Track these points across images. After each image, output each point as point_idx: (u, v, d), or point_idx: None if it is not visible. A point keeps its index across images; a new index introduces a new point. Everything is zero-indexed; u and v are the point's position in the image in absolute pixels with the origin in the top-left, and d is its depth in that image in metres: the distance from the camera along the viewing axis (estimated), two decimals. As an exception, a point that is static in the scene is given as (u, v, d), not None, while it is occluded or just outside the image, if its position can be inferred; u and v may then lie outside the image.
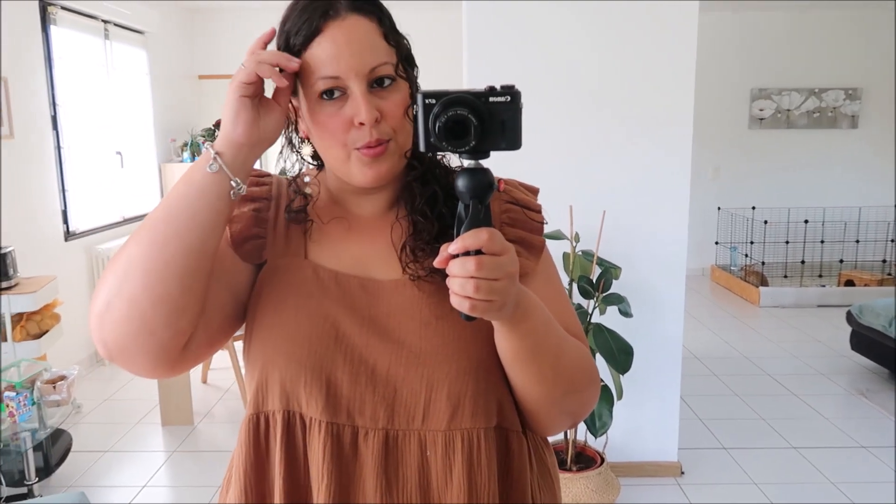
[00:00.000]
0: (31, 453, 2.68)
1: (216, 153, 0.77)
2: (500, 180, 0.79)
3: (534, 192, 0.93)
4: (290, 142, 0.88)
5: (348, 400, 0.79)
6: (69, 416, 3.04)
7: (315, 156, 0.90)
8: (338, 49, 0.77)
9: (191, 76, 6.15)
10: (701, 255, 6.69)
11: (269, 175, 0.92)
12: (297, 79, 0.81)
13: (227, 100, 0.78)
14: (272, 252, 0.86)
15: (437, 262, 0.68)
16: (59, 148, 4.12)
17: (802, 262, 6.22)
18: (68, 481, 2.95)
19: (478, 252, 0.66)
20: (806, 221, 6.28)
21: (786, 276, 6.20)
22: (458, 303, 0.67)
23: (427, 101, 0.68)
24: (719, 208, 6.66)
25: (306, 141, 0.86)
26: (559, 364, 0.80)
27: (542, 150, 2.73)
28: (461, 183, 0.69)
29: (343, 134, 0.79)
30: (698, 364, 4.29)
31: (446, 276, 0.70)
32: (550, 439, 2.79)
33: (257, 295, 0.85)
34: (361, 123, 0.78)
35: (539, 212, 0.90)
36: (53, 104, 4.08)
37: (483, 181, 0.69)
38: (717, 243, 6.67)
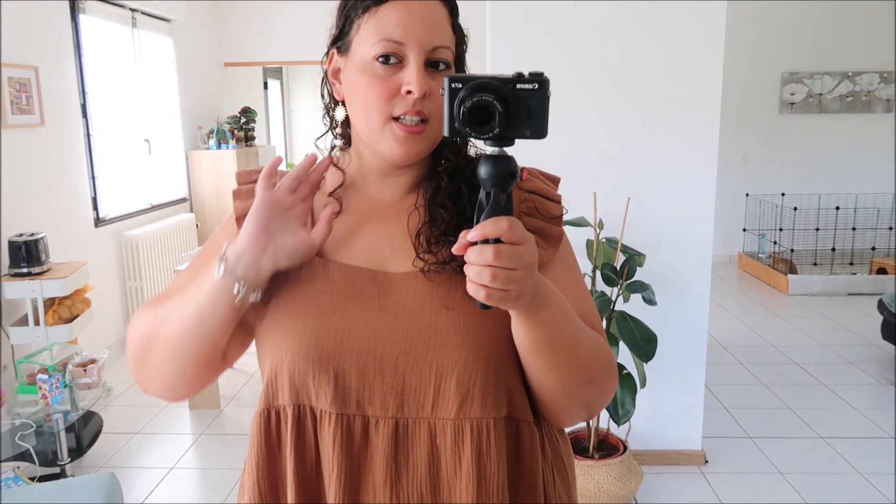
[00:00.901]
0: (63, 434, 2.75)
1: (225, 255, 0.81)
2: (522, 169, 0.78)
3: (555, 181, 0.92)
4: (326, 110, 0.90)
5: (357, 391, 0.79)
6: (100, 398, 3.11)
7: (343, 133, 0.90)
8: (409, 17, 0.79)
9: (217, 64, 6.20)
10: (728, 242, 6.60)
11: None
12: (348, 35, 0.83)
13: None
14: None
15: (455, 249, 0.68)
16: (88, 136, 4.19)
17: (833, 249, 6.10)
18: (99, 462, 3.03)
19: (497, 241, 0.65)
20: (837, 208, 6.15)
21: (815, 264, 6.09)
22: (475, 291, 0.67)
23: (453, 86, 0.67)
24: (748, 195, 6.55)
25: (341, 105, 0.87)
26: (576, 355, 0.79)
27: (565, 135, 2.71)
28: (483, 170, 0.68)
29: (387, 99, 0.79)
30: (724, 352, 4.24)
31: (459, 265, 0.70)
32: (573, 427, 2.74)
33: (267, 293, 0.86)
34: (409, 92, 0.78)
35: (559, 202, 0.89)
36: (83, 92, 4.14)
37: (506, 169, 0.68)
38: (744, 230, 6.57)
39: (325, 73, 0.88)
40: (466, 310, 0.79)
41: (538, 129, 0.68)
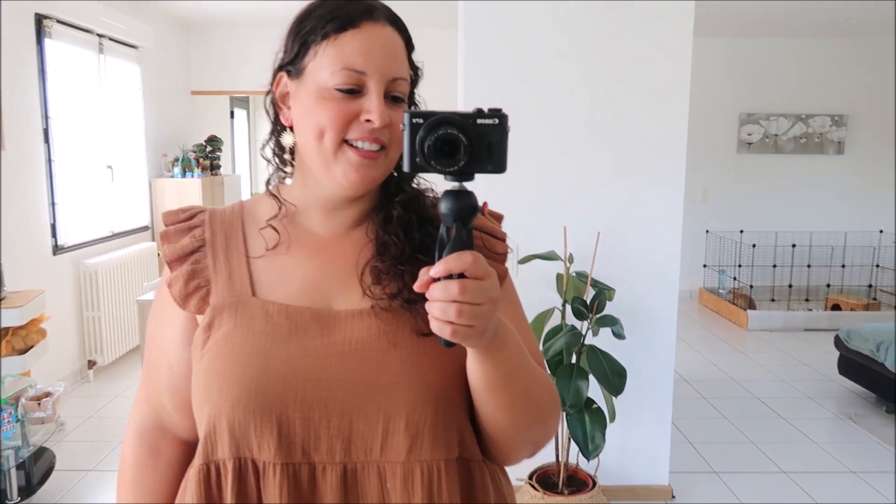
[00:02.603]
0: (13, 472, 2.63)
1: None
2: (484, 203, 0.77)
3: (498, 218, 0.92)
4: (273, 133, 0.86)
5: (302, 438, 0.76)
6: (53, 433, 2.99)
7: (285, 162, 0.87)
8: (371, 46, 0.78)
9: (184, 91, 6.15)
10: (689, 277, 6.72)
11: (200, 213, 0.89)
12: (302, 61, 0.80)
13: None
14: (217, 296, 0.83)
15: (417, 287, 0.66)
16: (49, 161, 4.09)
17: (790, 285, 6.27)
18: (50, 500, 2.89)
19: (460, 276, 0.64)
20: (793, 246, 6.34)
21: (773, 300, 6.24)
22: (439, 328, 0.65)
23: (414, 121, 0.66)
24: (708, 231, 6.71)
25: (289, 130, 0.84)
26: (531, 393, 0.79)
27: (537, 172, 2.75)
28: (445, 206, 0.67)
29: (344, 124, 0.77)
30: (687, 387, 4.29)
31: (406, 300, 0.74)
32: (543, 461, 2.73)
33: (199, 341, 0.81)
34: (368, 121, 0.77)
35: (504, 240, 0.89)
36: (46, 117, 4.06)
37: (468, 204, 0.67)
38: (705, 266, 6.71)
39: (273, 97, 0.85)
40: (415, 348, 0.77)
41: (499, 164, 0.67)
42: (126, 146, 5.08)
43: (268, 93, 0.85)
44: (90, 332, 4.37)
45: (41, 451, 2.95)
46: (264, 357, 0.77)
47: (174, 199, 5.50)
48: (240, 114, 8.10)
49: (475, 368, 0.74)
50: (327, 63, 0.77)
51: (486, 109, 0.68)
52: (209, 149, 5.99)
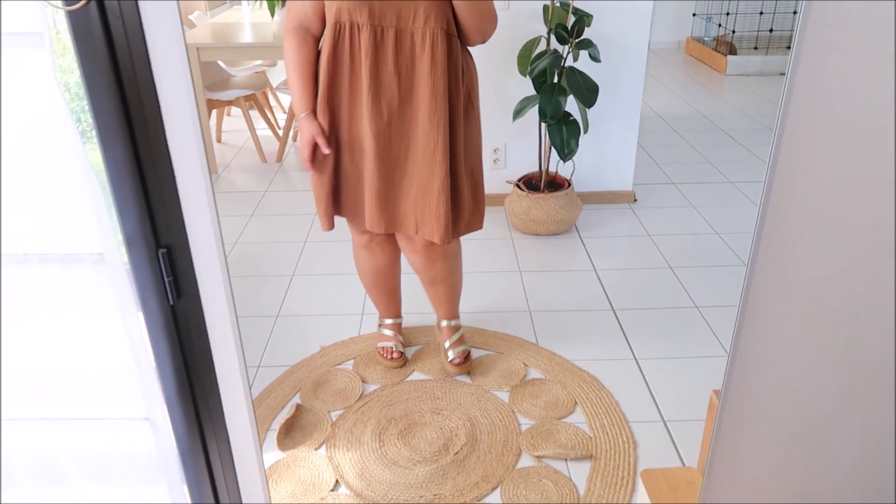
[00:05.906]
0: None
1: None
2: None
3: None
4: None
5: (378, 13, 1.70)
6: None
7: None
8: None
9: None
10: (678, 27, 6.90)
11: None
12: None
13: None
14: None
15: None
16: None
17: (770, 30, 6.48)
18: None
19: None
20: (780, -10, 6.44)
21: (756, 48, 6.49)
22: None
23: None
24: (700, -21, 6.75)
25: None
26: (480, 6, 1.74)
27: None
28: None
29: None
30: (661, 122, 4.77)
31: None
32: (528, 170, 3.32)
33: None
34: None
35: None
36: None
37: None
38: (694, 15, 6.85)
39: None
40: None
41: None
42: None
43: None
44: None
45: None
46: None
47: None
48: None
49: None
50: None
51: None
52: None
